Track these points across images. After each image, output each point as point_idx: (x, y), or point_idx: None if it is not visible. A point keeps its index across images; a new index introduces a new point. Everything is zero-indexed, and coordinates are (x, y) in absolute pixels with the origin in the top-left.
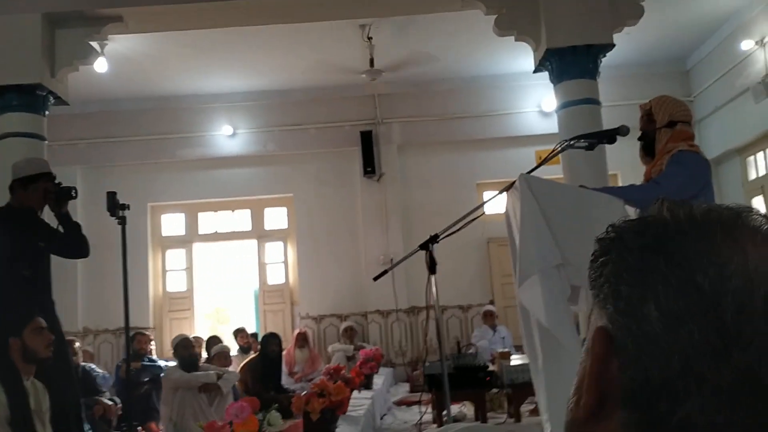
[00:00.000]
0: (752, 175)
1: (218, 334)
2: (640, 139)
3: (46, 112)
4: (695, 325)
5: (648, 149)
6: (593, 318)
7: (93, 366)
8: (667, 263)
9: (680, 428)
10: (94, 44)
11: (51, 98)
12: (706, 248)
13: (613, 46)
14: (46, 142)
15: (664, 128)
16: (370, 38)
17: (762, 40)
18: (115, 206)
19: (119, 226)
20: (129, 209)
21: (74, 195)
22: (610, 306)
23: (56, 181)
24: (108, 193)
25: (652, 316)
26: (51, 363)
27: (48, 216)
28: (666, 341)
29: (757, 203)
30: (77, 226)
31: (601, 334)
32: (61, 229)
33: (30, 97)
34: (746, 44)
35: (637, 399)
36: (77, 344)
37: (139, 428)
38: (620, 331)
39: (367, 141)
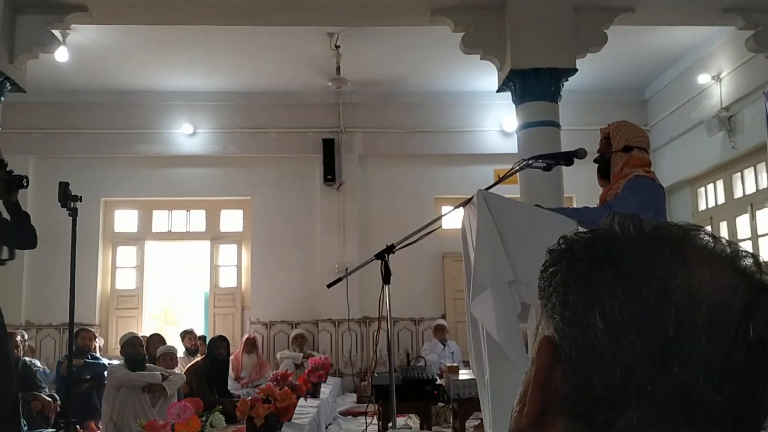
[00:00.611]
0: (702, 206)
1: (165, 335)
2: (596, 161)
3: (2, 99)
4: (638, 337)
5: (604, 172)
6: (541, 328)
7: (34, 360)
8: (614, 275)
9: None
10: (56, 32)
11: (7, 85)
12: (652, 262)
13: (575, 70)
14: (0, 129)
15: (620, 152)
16: (337, 47)
17: (718, 76)
18: (66, 197)
19: (69, 219)
20: (81, 201)
21: (26, 184)
22: (557, 315)
23: (8, 169)
24: (60, 183)
25: (596, 327)
26: None
27: None
28: (609, 352)
29: None
30: (27, 216)
31: (547, 342)
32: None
33: None
34: (703, 78)
35: (579, 408)
36: (19, 337)
37: (78, 426)
38: (565, 340)
39: (328, 149)
